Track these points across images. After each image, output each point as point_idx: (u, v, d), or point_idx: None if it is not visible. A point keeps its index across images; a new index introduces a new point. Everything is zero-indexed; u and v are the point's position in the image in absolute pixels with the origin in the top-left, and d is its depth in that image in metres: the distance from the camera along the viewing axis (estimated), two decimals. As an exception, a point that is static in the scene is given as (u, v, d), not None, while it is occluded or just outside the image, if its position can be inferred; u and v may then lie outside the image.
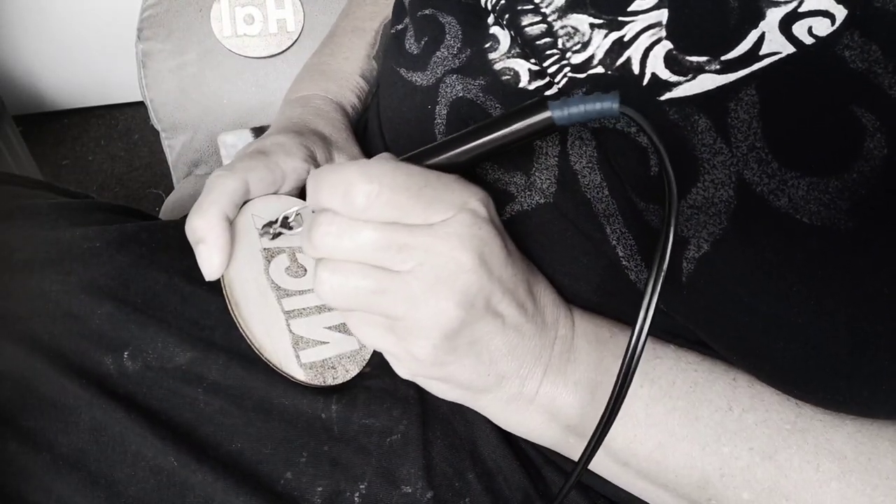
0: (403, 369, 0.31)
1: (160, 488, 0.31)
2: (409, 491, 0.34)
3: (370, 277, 0.27)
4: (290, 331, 0.35)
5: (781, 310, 0.26)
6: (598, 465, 0.33)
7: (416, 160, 0.29)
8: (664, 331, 0.32)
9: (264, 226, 0.36)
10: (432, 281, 0.26)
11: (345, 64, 0.50)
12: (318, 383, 0.34)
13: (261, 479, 0.33)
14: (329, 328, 0.36)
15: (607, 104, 0.26)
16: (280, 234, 0.36)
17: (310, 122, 0.43)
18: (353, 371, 0.36)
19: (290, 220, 0.36)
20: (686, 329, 0.31)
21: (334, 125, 0.44)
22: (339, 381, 0.35)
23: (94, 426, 0.32)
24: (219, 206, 0.33)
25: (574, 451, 0.33)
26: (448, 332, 0.27)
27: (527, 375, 0.31)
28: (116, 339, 0.33)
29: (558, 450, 0.34)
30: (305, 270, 0.37)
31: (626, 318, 0.34)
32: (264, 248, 0.36)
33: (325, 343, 0.36)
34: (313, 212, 0.27)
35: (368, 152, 0.44)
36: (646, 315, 0.26)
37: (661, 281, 0.26)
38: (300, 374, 0.34)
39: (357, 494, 0.34)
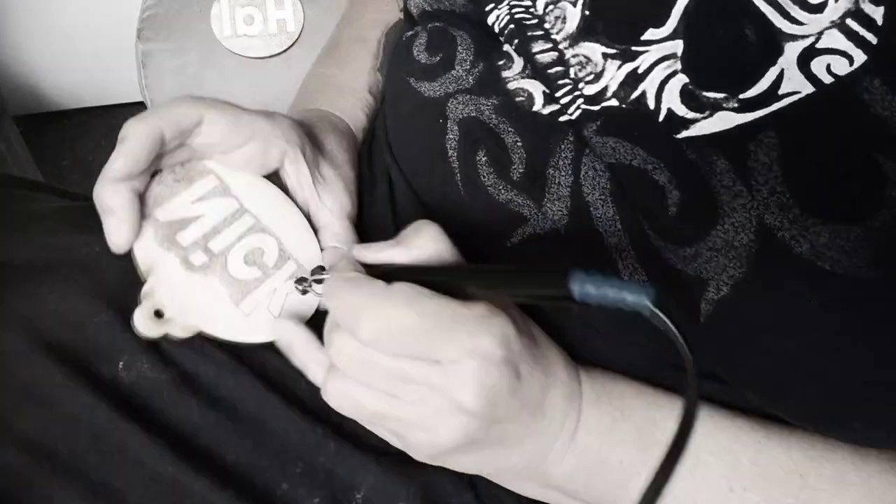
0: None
1: (160, 496, 0.31)
2: None
3: (373, 400, 0.28)
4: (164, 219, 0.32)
5: (800, 353, 0.26)
6: None
7: (437, 273, 0.29)
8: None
9: (297, 280, 0.33)
10: (432, 415, 0.27)
11: (353, 79, 0.49)
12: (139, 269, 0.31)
13: (258, 490, 0.33)
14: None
15: (638, 299, 0.21)
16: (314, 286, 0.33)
17: (320, 131, 0.41)
18: (176, 333, 0.31)
19: (318, 276, 0.33)
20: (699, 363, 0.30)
21: (340, 144, 0.41)
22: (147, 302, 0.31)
23: (95, 433, 0.31)
24: (122, 172, 0.30)
25: None
26: (441, 453, 0.29)
27: (518, 474, 0.32)
28: (112, 348, 0.33)
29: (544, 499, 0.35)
30: (261, 270, 0.33)
31: (636, 360, 0.33)
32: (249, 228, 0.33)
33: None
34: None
35: (375, 164, 0.42)
36: None
37: None
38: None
39: None
